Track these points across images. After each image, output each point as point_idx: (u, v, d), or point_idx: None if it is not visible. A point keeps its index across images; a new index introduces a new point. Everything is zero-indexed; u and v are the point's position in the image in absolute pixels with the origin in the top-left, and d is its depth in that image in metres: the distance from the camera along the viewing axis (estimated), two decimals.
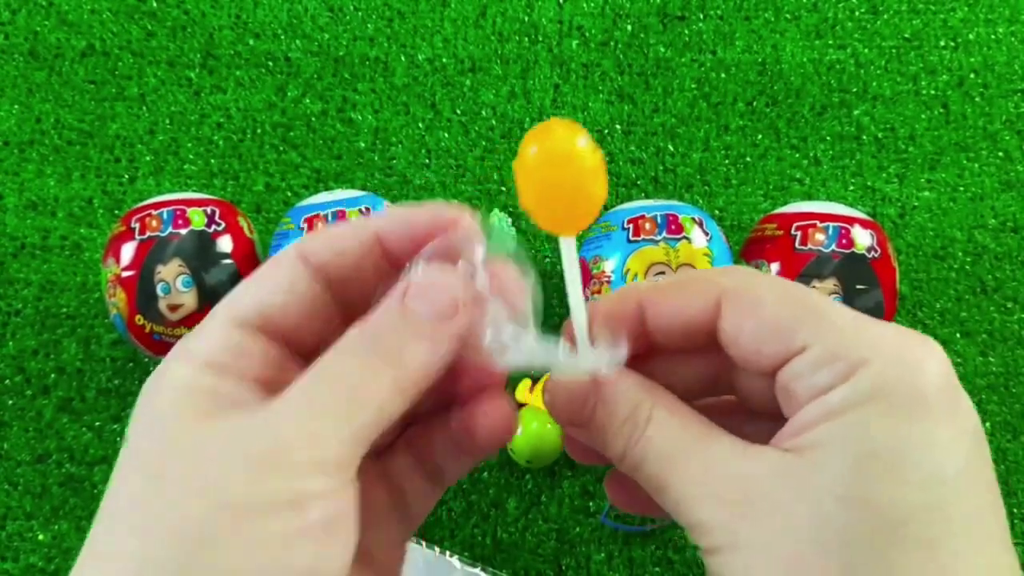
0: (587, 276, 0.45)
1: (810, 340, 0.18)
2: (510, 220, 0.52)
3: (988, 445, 0.18)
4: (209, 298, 0.45)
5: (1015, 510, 0.48)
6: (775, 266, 0.45)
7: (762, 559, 0.17)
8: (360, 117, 0.57)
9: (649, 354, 0.21)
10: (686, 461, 0.19)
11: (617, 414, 0.20)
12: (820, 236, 0.45)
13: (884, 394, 0.17)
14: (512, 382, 0.47)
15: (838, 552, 0.16)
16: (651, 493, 0.20)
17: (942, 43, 0.58)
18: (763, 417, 0.20)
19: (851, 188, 0.55)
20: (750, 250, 0.48)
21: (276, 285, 0.19)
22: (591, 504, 0.48)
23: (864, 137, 0.56)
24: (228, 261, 0.45)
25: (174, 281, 0.44)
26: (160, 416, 0.17)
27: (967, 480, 0.17)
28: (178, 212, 0.46)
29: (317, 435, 0.17)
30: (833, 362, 0.17)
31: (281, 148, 0.56)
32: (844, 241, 0.44)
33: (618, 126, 0.56)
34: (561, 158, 0.19)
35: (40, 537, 0.47)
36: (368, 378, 0.17)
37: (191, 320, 0.45)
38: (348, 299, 0.20)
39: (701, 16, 0.59)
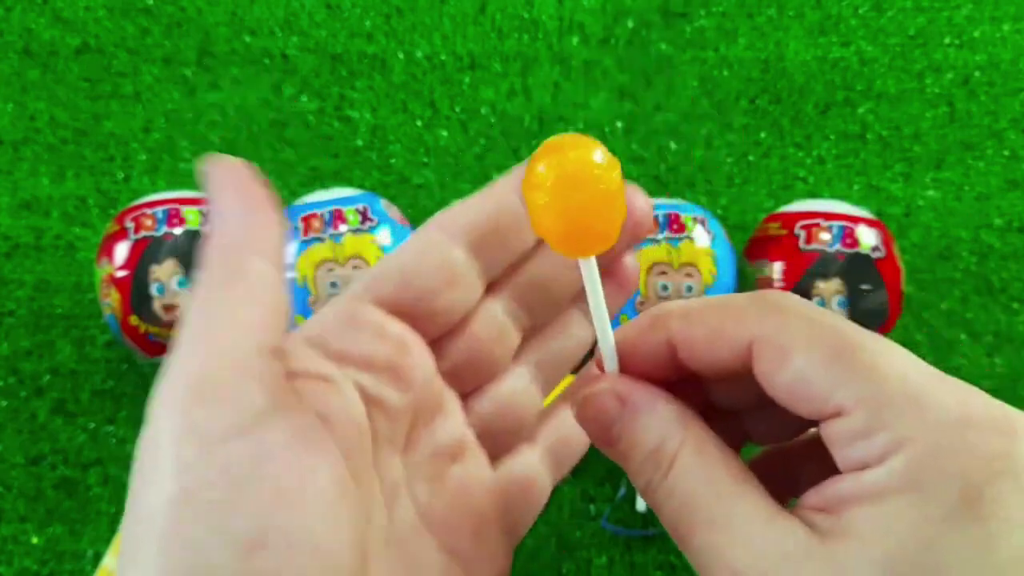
0: None
1: (847, 404, 0.15)
2: None
3: None
4: None
5: None
6: (779, 266, 0.45)
7: None
8: (357, 115, 0.56)
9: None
10: (706, 520, 0.16)
11: (640, 447, 0.18)
12: (824, 235, 0.44)
13: (922, 484, 0.14)
14: None
15: None
16: (672, 536, 0.18)
17: (947, 40, 0.57)
18: None
19: (856, 187, 0.54)
20: (753, 250, 0.47)
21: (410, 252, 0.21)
22: (591, 508, 0.47)
23: (869, 135, 0.55)
24: None
25: (169, 281, 0.44)
26: None
27: None
28: (172, 211, 0.45)
29: None
30: (871, 435, 0.15)
31: (277, 146, 0.55)
32: (849, 240, 0.44)
33: (619, 124, 0.56)
34: (578, 181, 0.17)
35: (34, 540, 0.47)
36: None
37: None
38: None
39: (703, 13, 0.58)
